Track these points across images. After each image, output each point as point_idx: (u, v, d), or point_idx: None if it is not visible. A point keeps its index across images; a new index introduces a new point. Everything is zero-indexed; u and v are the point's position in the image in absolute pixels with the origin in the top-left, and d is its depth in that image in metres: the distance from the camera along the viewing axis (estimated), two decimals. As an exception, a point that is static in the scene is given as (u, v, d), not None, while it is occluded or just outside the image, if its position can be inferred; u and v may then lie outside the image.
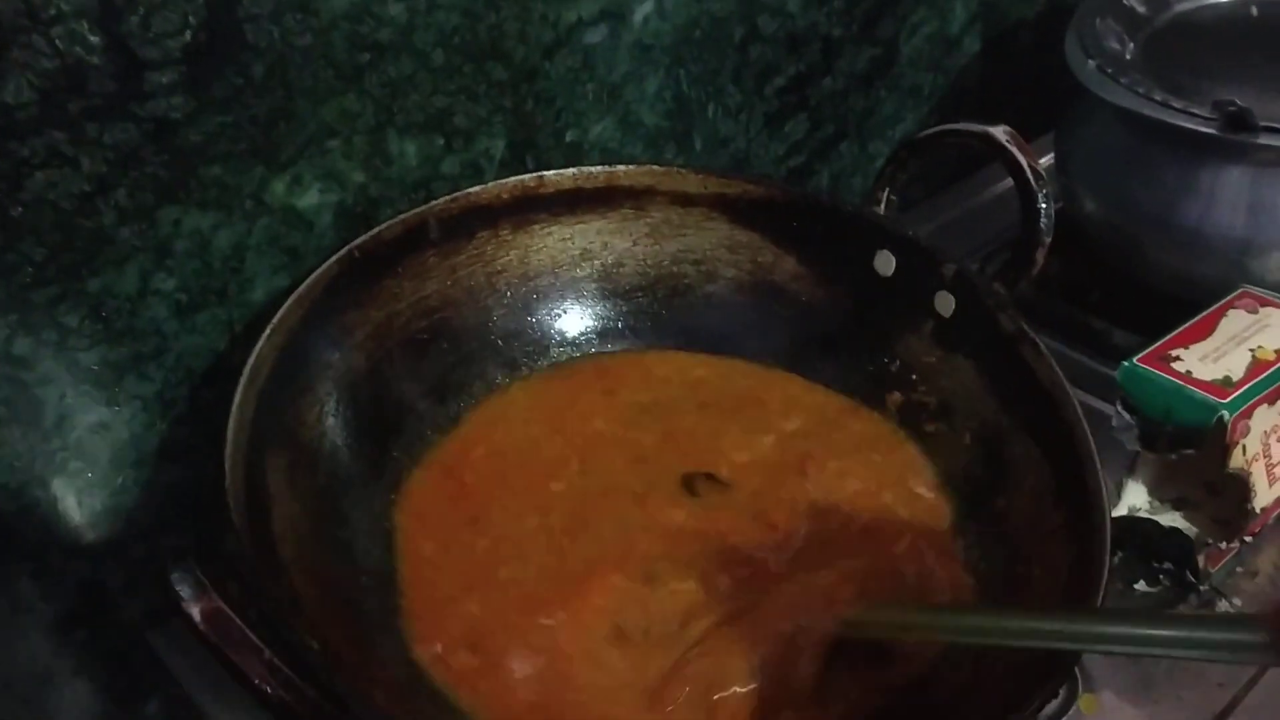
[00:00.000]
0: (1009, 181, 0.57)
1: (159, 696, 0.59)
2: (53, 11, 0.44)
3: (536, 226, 0.60)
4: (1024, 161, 0.55)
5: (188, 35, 0.47)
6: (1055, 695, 0.43)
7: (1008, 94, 0.86)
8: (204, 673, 0.54)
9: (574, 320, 0.62)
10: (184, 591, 0.37)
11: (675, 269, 0.62)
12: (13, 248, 0.47)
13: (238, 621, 0.37)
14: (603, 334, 0.62)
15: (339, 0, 0.51)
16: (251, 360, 0.49)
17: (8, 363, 0.48)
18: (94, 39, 0.45)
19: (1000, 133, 0.56)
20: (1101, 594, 0.44)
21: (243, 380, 0.48)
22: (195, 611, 0.36)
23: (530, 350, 0.61)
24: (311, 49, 0.51)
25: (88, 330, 0.50)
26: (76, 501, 0.53)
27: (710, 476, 0.55)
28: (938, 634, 0.48)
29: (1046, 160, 0.78)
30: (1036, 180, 0.55)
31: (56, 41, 0.44)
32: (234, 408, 0.47)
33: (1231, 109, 0.62)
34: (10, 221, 0.46)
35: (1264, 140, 0.62)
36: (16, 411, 0.49)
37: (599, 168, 0.60)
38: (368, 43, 0.53)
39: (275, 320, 0.50)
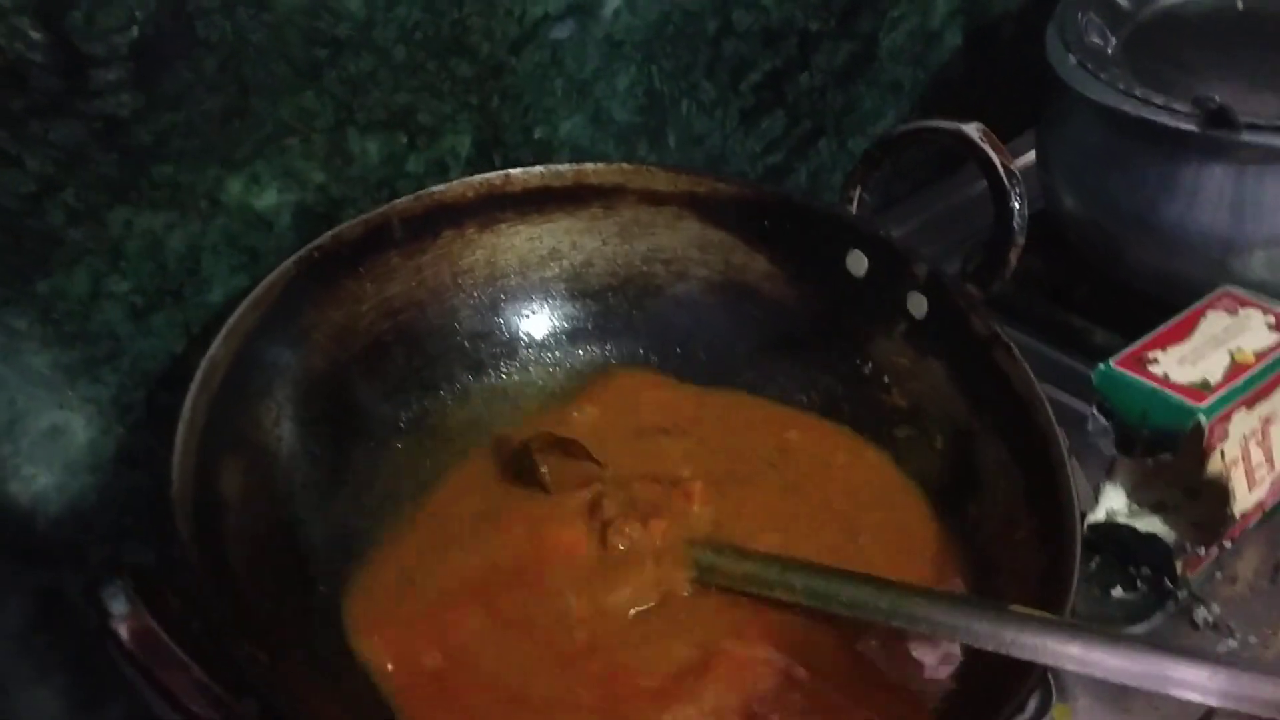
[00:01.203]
0: (994, 178, 0.56)
1: (120, 702, 0.58)
2: (-9, 7, 0.43)
3: (503, 225, 0.59)
4: (997, 160, 0.54)
5: (134, 30, 0.46)
6: (1022, 709, 0.41)
7: (990, 89, 0.85)
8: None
9: (542, 321, 0.61)
10: (114, 608, 0.36)
11: (645, 269, 0.61)
12: (-44, 250, 0.46)
13: (166, 639, 0.36)
14: (572, 335, 0.61)
15: (294, -6, 0.50)
16: (204, 364, 0.48)
17: (-45, 367, 0.48)
18: (35, 35, 0.44)
19: (973, 130, 0.55)
20: (1070, 603, 0.44)
21: (194, 385, 0.47)
22: (123, 629, 0.35)
23: (497, 352, 0.60)
24: (266, 44, 0.50)
25: (38, 333, 0.49)
26: (32, 508, 0.52)
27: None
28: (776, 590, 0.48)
29: (1029, 157, 0.77)
30: (1010, 179, 0.54)
31: (-4, 37, 0.43)
32: (184, 412, 0.46)
33: (1213, 106, 0.61)
34: (-47, 223, 0.45)
35: (1246, 137, 0.61)
36: (-35, 417, 0.49)
37: (567, 166, 0.59)
38: (325, 38, 0.52)
39: (230, 323, 0.49)
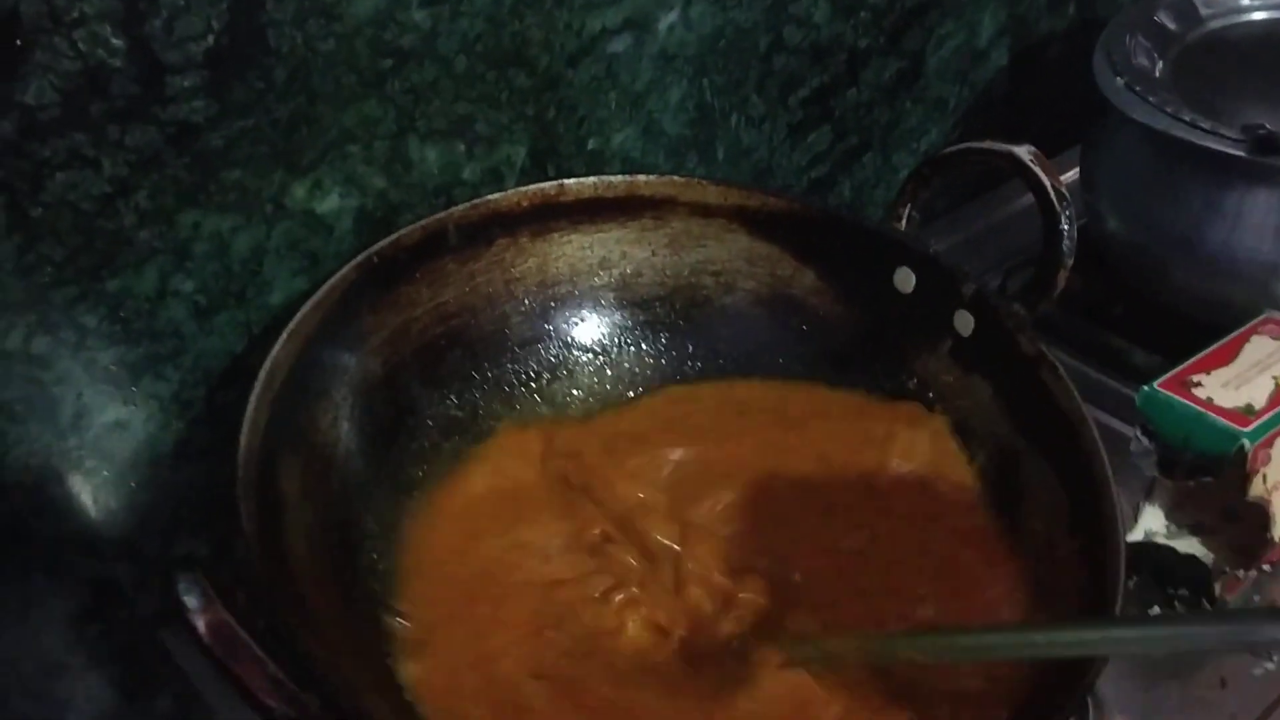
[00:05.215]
0: (1035, 195, 0.56)
1: (170, 693, 0.59)
2: (75, 14, 0.44)
3: (556, 234, 0.60)
4: (1048, 183, 0.55)
5: (210, 39, 0.47)
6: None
7: (1034, 107, 0.86)
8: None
9: (591, 328, 0.62)
10: (190, 602, 0.37)
11: (694, 280, 0.62)
12: (32, 248, 0.47)
13: (242, 634, 0.37)
14: (620, 343, 0.62)
15: (363, 6, 0.51)
16: (267, 365, 0.49)
17: (26, 361, 0.49)
18: (116, 42, 0.45)
19: (1024, 153, 0.55)
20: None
21: (258, 385, 0.48)
22: (200, 623, 0.37)
23: (546, 357, 0.61)
24: (334, 54, 0.51)
25: (106, 330, 0.50)
26: (92, 499, 0.54)
27: None
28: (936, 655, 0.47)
29: (1071, 175, 0.77)
30: (1060, 202, 0.55)
31: (79, 44, 0.44)
32: (248, 412, 0.47)
33: (1261, 132, 0.61)
34: (30, 222, 0.46)
35: (1293, 164, 0.61)
36: (34, 409, 0.50)
37: (619, 177, 0.60)
38: (391, 49, 0.53)
39: (292, 325, 0.50)
